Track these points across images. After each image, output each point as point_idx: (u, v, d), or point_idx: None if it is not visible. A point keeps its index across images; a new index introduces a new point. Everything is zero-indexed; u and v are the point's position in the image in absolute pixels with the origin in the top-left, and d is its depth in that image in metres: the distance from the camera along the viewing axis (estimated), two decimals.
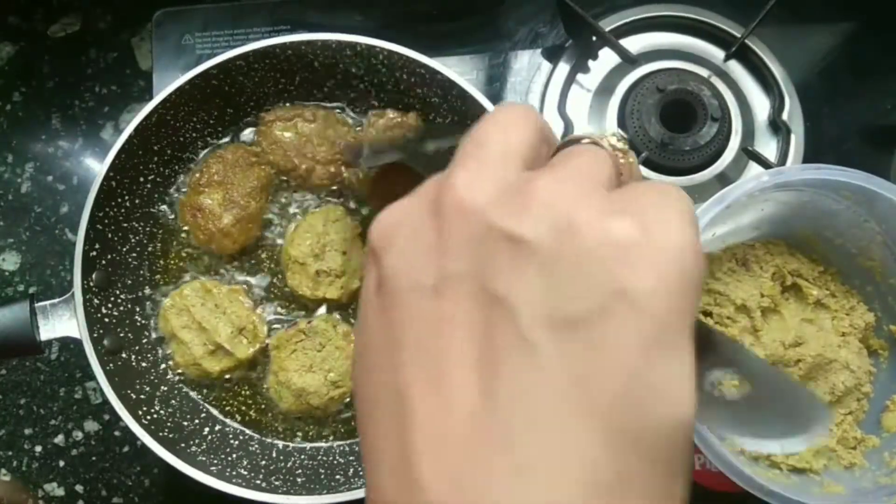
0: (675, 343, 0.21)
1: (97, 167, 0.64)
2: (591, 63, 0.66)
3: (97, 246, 0.55)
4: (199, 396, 0.58)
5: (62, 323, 0.52)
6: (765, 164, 0.62)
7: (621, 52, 0.64)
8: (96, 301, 0.54)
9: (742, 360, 0.27)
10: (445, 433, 0.21)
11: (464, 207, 0.23)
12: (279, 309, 0.60)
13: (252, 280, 0.60)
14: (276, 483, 0.53)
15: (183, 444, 0.54)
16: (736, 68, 0.65)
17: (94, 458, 0.62)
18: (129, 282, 0.58)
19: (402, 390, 0.23)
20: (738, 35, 0.64)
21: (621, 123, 0.62)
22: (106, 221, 0.56)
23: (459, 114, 0.59)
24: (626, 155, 0.28)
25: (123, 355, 0.55)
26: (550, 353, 0.21)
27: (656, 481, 0.21)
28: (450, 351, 0.22)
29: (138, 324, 0.58)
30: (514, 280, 0.22)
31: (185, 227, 0.60)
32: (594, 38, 0.64)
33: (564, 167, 0.24)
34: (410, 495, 0.21)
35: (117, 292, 0.57)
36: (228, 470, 0.53)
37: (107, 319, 0.55)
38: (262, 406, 0.58)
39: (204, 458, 0.54)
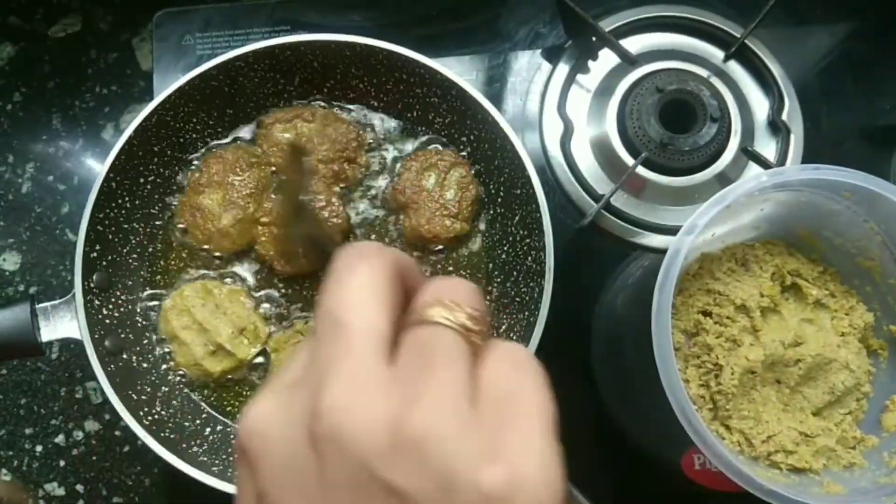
0: None
1: (98, 167, 0.64)
2: (590, 63, 0.66)
3: (98, 247, 0.55)
4: (200, 397, 0.58)
5: (63, 324, 0.52)
6: (764, 164, 0.62)
7: (621, 52, 0.64)
8: (97, 302, 0.54)
9: None
10: None
11: (342, 446, 0.22)
12: (280, 309, 0.60)
13: (252, 281, 0.60)
14: None
15: (184, 445, 0.54)
16: (735, 68, 0.65)
17: (94, 458, 0.62)
18: (130, 283, 0.58)
19: None
20: (738, 35, 0.64)
21: (621, 124, 0.62)
22: (106, 222, 0.56)
23: (459, 114, 0.59)
24: (477, 332, 0.26)
25: (124, 356, 0.56)
26: None
27: None
28: None
29: (139, 325, 0.58)
30: None
31: (185, 228, 0.60)
32: (594, 39, 0.64)
33: (430, 386, 0.24)
34: None
35: (118, 293, 0.57)
36: (230, 470, 0.53)
37: (108, 320, 0.55)
38: None
39: (205, 459, 0.54)
